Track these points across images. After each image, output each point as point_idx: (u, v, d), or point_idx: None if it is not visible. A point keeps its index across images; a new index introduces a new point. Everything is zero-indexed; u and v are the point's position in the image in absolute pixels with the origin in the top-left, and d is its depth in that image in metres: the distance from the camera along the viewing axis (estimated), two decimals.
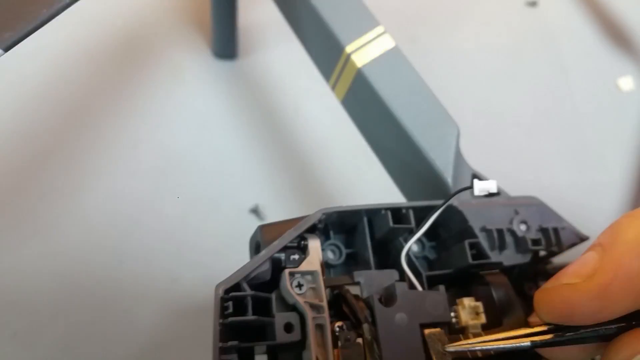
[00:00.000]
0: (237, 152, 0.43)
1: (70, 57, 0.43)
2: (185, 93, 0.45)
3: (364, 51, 0.29)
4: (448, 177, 0.27)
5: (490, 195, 0.27)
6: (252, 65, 0.48)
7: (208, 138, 0.43)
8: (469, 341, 0.22)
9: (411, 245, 0.25)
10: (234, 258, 0.35)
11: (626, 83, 0.63)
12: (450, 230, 0.27)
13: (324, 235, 0.27)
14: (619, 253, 0.19)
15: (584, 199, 0.52)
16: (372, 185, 0.44)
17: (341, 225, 0.27)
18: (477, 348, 0.21)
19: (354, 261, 0.27)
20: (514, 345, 0.21)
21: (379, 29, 0.30)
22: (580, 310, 0.19)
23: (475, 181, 0.24)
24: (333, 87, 0.32)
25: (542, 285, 0.21)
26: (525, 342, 0.21)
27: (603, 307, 0.19)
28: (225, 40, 0.46)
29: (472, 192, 0.28)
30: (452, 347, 0.22)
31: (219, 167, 0.42)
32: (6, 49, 0.21)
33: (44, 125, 0.40)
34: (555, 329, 0.20)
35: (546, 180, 0.51)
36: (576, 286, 0.19)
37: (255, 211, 0.41)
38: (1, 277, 0.34)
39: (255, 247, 0.25)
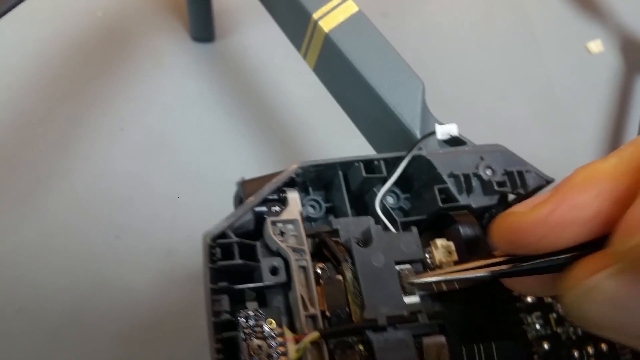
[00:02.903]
0: (220, 129, 0.45)
1: (55, 48, 0.45)
2: (167, 76, 0.46)
3: (330, 17, 0.30)
4: (416, 130, 0.29)
5: (457, 143, 0.29)
6: (229, 47, 0.49)
7: (192, 118, 0.45)
8: (431, 273, 0.23)
9: (385, 192, 0.27)
10: None
11: (595, 46, 0.65)
12: (421, 180, 0.29)
13: (304, 192, 0.28)
14: (565, 188, 0.19)
15: (558, 158, 0.55)
16: (350, 154, 0.46)
17: (319, 181, 0.28)
18: (439, 279, 0.23)
19: (333, 214, 0.29)
20: (474, 275, 0.22)
21: None
22: (525, 235, 0.20)
23: (437, 125, 0.25)
24: (304, 56, 0.34)
25: None
26: (486, 273, 0.21)
27: (547, 233, 0.19)
28: (202, 23, 0.48)
29: (441, 144, 0.30)
30: (415, 280, 0.23)
31: (204, 145, 0.44)
32: None
33: (34, 113, 0.42)
34: (512, 259, 0.21)
35: (521, 142, 0.53)
36: (522, 214, 0.20)
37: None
38: (4, 256, 0.36)
39: (239, 202, 0.26)
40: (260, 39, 0.50)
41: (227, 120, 0.45)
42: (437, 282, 0.25)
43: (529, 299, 0.27)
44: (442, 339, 0.24)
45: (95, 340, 0.35)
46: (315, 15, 0.30)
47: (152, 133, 0.43)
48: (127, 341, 0.35)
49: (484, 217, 0.29)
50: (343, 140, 0.47)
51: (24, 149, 0.41)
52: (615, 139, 0.58)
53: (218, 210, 0.41)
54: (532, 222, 0.19)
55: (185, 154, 0.43)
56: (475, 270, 0.22)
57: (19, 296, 0.35)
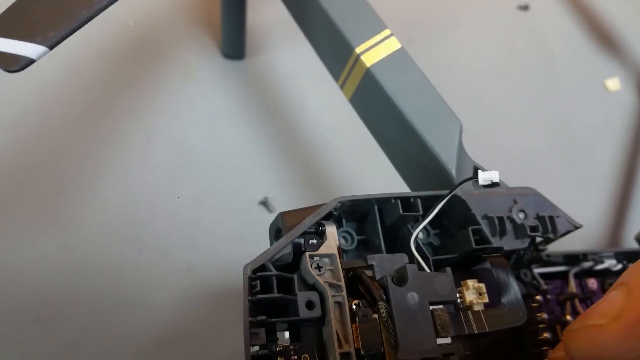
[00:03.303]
0: (246, 147, 0.45)
1: (86, 57, 0.45)
2: (196, 91, 0.47)
3: (373, 52, 0.31)
4: (452, 169, 0.29)
5: (491, 185, 0.30)
6: (259, 65, 0.50)
7: (218, 134, 0.45)
8: None
9: (419, 231, 0.27)
10: (245, 247, 0.37)
11: (613, 84, 0.65)
12: (454, 219, 0.29)
13: (337, 224, 0.29)
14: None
15: (573, 193, 0.55)
16: (374, 180, 0.46)
17: (352, 214, 0.29)
18: None
19: (364, 247, 0.29)
20: None
21: (386, 32, 0.32)
22: (610, 351, 0.19)
23: (480, 171, 0.26)
24: (342, 86, 0.34)
25: (569, 323, 0.22)
26: None
27: (630, 347, 0.19)
28: (234, 40, 0.48)
29: (474, 184, 0.30)
30: None
31: (229, 162, 0.44)
32: (51, 47, 0.23)
33: (62, 121, 0.42)
34: None
35: (538, 176, 0.54)
36: (603, 327, 0.19)
37: (264, 203, 0.43)
38: (25, 265, 0.36)
39: (276, 232, 0.27)
40: (289, 60, 0.50)
41: (253, 138, 0.46)
42: (468, 324, 0.25)
43: None
44: None
45: (113, 353, 0.35)
46: (358, 50, 0.31)
47: (179, 147, 0.44)
48: (145, 356, 0.36)
49: (511, 257, 0.30)
50: (366, 164, 0.47)
51: (49, 156, 0.41)
52: (629, 177, 0.58)
53: (239, 228, 0.42)
54: (615, 336, 0.19)
55: (209, 169, 0.43)
56: None
57: (38, 306, 0.35)
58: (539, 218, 0.29)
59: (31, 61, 0.23)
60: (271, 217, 0.27)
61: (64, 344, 0.35)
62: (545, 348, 0.28)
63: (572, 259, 0.35)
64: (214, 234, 0.41)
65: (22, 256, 0.37)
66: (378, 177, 0.47)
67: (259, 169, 0.44)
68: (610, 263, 0.36)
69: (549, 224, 0.29)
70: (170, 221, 0.40)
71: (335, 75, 0.34)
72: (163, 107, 0.45)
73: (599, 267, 0.36)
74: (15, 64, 0.23)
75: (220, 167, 0.44)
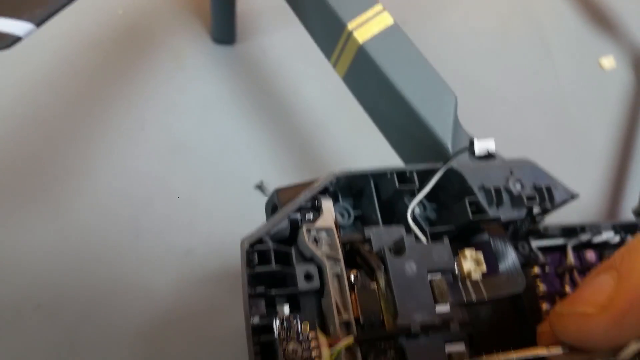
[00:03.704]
0: (239, 132, 0.45)
1: (76, 46, 0.45)
2: (187, 77, 0.47)
3: (365, 28, 0.31)
4: (448, 142, 0.29)
5: (487, 157, 0.30)
6: (250, 50, 0.50)
7: (211, 120, 0.45)
8: (489, 357, 0.23)
9: (416, 203, 0.27)
10: (242, 231, 0.37)
11: (608, 62, 0.65)
12: (450, 192, 0.29)
13: (333, 199, 0.29)
14: (634, 283, 0.19)
15: (569, 170, 0.55)
16: (368, 161, 0.46)
17: (349, 189, 0.29)
18: None
19: (361, 222, 0.29)
20: None
21: (378, 7, 0.32)
22: (594, 339, 0.20)
23: (476, 140, 0.26)
24: (334, 64, 0.34)
25: (557, 304, 0.22)
26: None
27: (616, 336, 0.19)
28: (224, 26, 0.48)
29: (470, 157, 0.30)
30: None
31: (223, 147, 0.44)
32: (38, 25, 0.23)
33: (54, 110, 0.42)
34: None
35: (534, 154, 0.53)
36: (591, 316, 0.20)
37: (260, 187, 0.43)
38: (24, 253, 0.36)
39: (272, 209, 0.27)
40: (280, 43, 0.50)
41: (246, 123, 0.46)
42: (467, 292, 0.25)
43: None
44: (461, 346, 0.24)
45: (113, 338, 0.35)
46: (350, 26, 0.31)
47: (172, 134, 0.43)
48: (145, 340, 0.36)
49: (508, 227, 0.30)
50: (361, 145, 0.47)
51: (44, 145, 0.41)
52: (624, 154, 0.59)
53: (235, 212, 0.42)
54: (602, 325, 0.19)
55: (204, 155, 0.43)
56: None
57: (38, 293, 0.35)
58: (536, 188, 0.29)
59: (18, 39, 0.23)
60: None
61: (64, 329, 0.35)
62: (545, 315, 0.28)
63: (570, 231, 0.35)
64: (211, 218, 0.41)
65: (20, 244, 0.37)
66: (373, 158, 0.47)
67: (254, 153, 0.44)
68: (608, 235, 0.36)
69: (546, 193, 0.29)
70: (167, 207, 0.40)
71: (328, 53, 0.34)
72: (155, 93, 0.45)
73: (597, 239, 0.35)
74: (2, 41, 0.22)
75: (214, 153, 0.44)
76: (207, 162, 0.43)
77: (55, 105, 0.42)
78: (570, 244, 0.35)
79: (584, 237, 0.35)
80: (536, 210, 0.30)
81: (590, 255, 0.35)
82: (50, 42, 0.43)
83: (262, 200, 0.43)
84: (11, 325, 0.34)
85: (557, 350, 0.22)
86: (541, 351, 0.22)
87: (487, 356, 0.24)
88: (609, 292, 0.19)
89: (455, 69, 0.57)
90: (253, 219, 0.40)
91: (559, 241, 0.35)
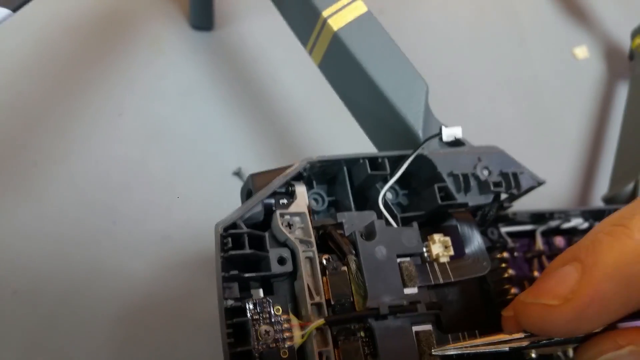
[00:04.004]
0: (218, 119, 0.45)
1: (53, 31, 0.45)
2: (165, 63, 0.47)
3: (339, 16, 0.31)
4: (419, 129, 0.30)
5: (456, 143, 0.30)
6: (228, 36, 0.50)
7: (189, 106, 0.45)
8: (455, 345, 0.24)
9: (387, 189, 0.28)
10: (220, 217, 0.38)
11: (581, 52, 0.66)
12: (421, 178, 0.30)
13: (308, 186, 0.29)
14: (597, 277, 0.19)
15: (542, 158, 0.56)
16: (347, 149, 0.47)
17: (323, 175, 0.29)
18: (460, 351, 0.23)
19: (335, 208, 0.30)
20: (494, 349, 0.23)
21: None
22: (556, 329, 0.20)
23: (443, 127, 0.27)
24: (310, 52, 0.35)
25: (521, 293, 0.22)
26: (505, 348, 0.23)
27: (577, 327, 0.20)
28: (202, 12, 0.48)
29: (440, 144, 0.31)
30: (438, 351, 0.24)
31: (201, 134, 0.44)
32: (14, 10, 0.23)
33: (31, 96, 0.42)
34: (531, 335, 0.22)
35: (507, 142, 0.55)
36: (554, 308, 0.20)
37: (238, 174, 0.43)
38: (0, 238, 0.36)
39: (247, 194, 0.27)
40: (259, 30, 0.50)
41: (225, 110, 0.46)
42: (434, 275, 0.26)
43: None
44: (429, 327, 0.25)
45: (91, 323, 0.36)
46: (325, 13, 0.31)
47: (150, 119, 0.44)
48: (123, 324, 0.36)
49: (476, 213, 0.31)
50: (339, 133, 0.48)
51: (21, 131, 0.41)
52: (596, 142, 0.60)
53: (214, 198, 0.42)
54: (564, 318, 0.20)
55: (182, 141, 0.44)
56: (496, 345, 0.23)
57: (15, 279, 0.35)
58: (503, 174, 0.30)
59: None
60: None
61: (42, 315, 0.35)
62: (510, 297, 0.29)
63: (539, 217, 0.36)
64: (189, 204, 0.41)
65: None
66: (350, 146, 0.47)
67: (232, 140, 0.45)
68: (577, 222, 0.37)
69: (513, 180, 0.30)
70: (145, 193, 0.40)
71: (304, 41, 0.35)
72: (132, 79, 0.45)
73: (566, 225, 0.37)
74: None
75: (192, 139, 0.44)
76: (185, 148, 0.43)
77: (32, 91, 0.42)
78: (539, 229, 0.36)
79: (553, 223, 0.36)
80: (503, 196, 0.31)
81: (559, 240, 0.37)
82: (27, 28, 0.43)
83: (239, 186, 0.43)
84: None
85: (519, 337, 0.23)
86: (505, 337, 0.23)
87: (453, 343, 0.25)
88: (572, 284, 0.20)
89: (431, 57, 0.57)
90: (231, 205, 0.40)
91: (528, 227, 0.36)
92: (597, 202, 0.55)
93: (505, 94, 0.60)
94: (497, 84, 0.60)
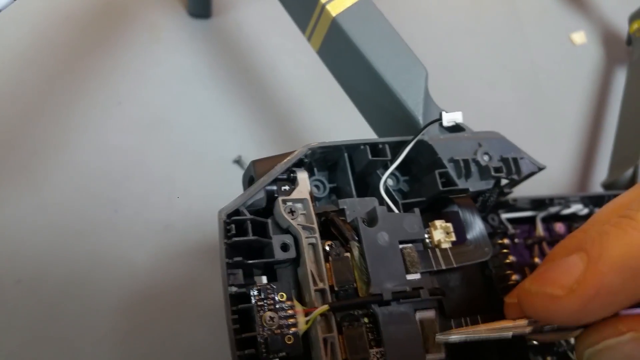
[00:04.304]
0: (217, 107, 0.45)
1: (52, 21, 0.44)
2: (164, 52, 0.46)
3: (338, 1, 0.31)
4: (418, 115, 0.30)
5: (456, 129, 0.30)
6: (226, 24, 0.49)
7: (188, 94, 0.45)
8: (458, 331, 0.24)
9: (388, 175, 0.28)
10: (220, 205, 0.38)
11: (579, 37, 0.66)
12: (421, 164, 0.30)
13: (309, 172, 0.29)
14: (603, 270, 0.19)
15: (541, 144, 0.56)
16: (346, 136, 0.47)
17: (324, 162, 0.29)
18: (465, 337, 0.23)
19: (336, 195, 0.30)
20: (497, 335, 0.23)
21: None
22: (560, 319, 0.21)
23: (443, 113, 0.27)
24: (309, 38, 0.35)
25: (537, 265, 0.23)
26: (508, 333, 0.23)
27: (582, 318, 0.20)
28: None
29: (440, 130, 0.31)
30: (442, 336, 0.24)
31: (201, 122, 0.44)
32: None
33: (31, 86, 0.41)
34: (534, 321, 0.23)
35: (506, 128, 0.55)
36: (559, 299, 0.20)
37: (238, 162, 0.43)
38: (2, 228, 0.36)
39: (249, 180, 0.27)
40: (257, 17, 0.50)
41: (224, 98, 0.46)
42: (437, 261, 0.26)
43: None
44: (432, 313, 0.25)
45: (94, 312, 0.36)
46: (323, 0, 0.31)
47: (150, 108, 0.43)
48: (125, 314, 0.36)
49: (477, 199, 0.31)
50: (338, 120, 0.48)
51: (20, 121, 0.40)
52: (595, 128, 0.60)
53: (214, 186, 0.42)
54: (569, 309, 0.20)
55: (182, 130, 0.44)
56: (499, 331, 0.23)
57: (18, 268, 0.36)
58: (503, 160, 0.30)
59: None
60: None
61: (45, 304, 0.35)
62: (511, 282, 0.29)
63: (539, 203, 0.36)
64: (190, 193, 0.41)
65: None
66: (350, 132, 0.47)
67: (232, 128, 0.45)
68: (577, 207, 0.37)
69: (513, 165, 0.30)
70: (145, 182, 0.40)
71: (302, 27, 0.34)
72: (131, 68, 0.45)
73: (566, 211, 0.37)
74: None
75: (192, 127, 0.44)
76: (184, 137, 0.43)
77: (31, 80, 0.42)
78: (540, 215, 0.36)
79: (553, 209, 0.36)
80: (504, 181, 0.31)
81: (559, 227, 0.37)
82: (25, 17, 0.42)
83: (240, 174, 0.43)
84: None
85: (522, 323, 0.23)
86: (507, 323, 0.23)
87: (457, 328, 0.25)
88: (577, 275, 0.20)
89: (429, 44, 0.57)
90: (231, 193, 0.41)
91: (528, 213, 0.36)
92: (596, 188, 0.55)
93: (503, 80, 0.59)
94: (495, 70, 0.60)
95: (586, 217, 0.37)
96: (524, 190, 0.34)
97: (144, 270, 0.37)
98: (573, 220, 0.37)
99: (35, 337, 0.35)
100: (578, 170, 0.57)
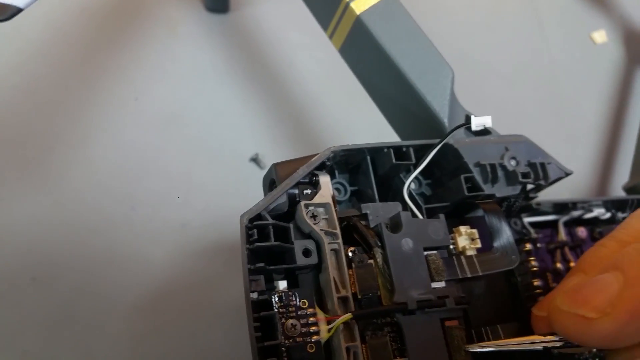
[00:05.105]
0: (234, 103, 0.45)
1: (69, 16, 0.44)
2: (180, 47, 0.46)
3: None
4: (444, 117, 0.29)
5: (483, 132, 0.30)
6: (244, 19, 0.49)
7: (206, 90, 0.44)
8: (488, 343, 0.23)
9: (413, 178, 0.27)
10: (237, 204, 0.37)
11: (599, 36, 0.65)
12: (445, 168, 0.29)
13: (330, 175, 0.29)
14: (638, 292, 0.19)
15: (560, 145, 0.55)
16: (364, 135, 0.46)
17: (345, 165, 0.29)
18: (494, 349, 0.23)
19: (357, 198, 0.29)
20: (527, 348, 0.23)
21: None
22: (592, 342, 0.20)
23: (472, 117, 0.26)
24: (330, 36, 0.34)
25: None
26: (539, 347, 0.23)
27: (615, 342, 0.20)
28: None
29: (466, 132, 0.30)
30: (471, 348, 0.23)
31: (218, 118, 0.44)
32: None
33: (47, 80, 0.41)
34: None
35: (525, 128, 0.54)
36: (593, 322, 0.19)
37: (255, 160, 0.43)
38: (18, 225, 0.36)
39: (270, 183, 0.27)
40: (275, 12, 0.49)
41: (240, 94, 0.45)
42: (462, 268, 0.26)
43: None
44: (456, 322, 0.25)
45: (109, 310, 0.36)
46: None
47: (166, 104, 0.43)
48: (141, 312, 0.36)
49: (502, 205, 0.30)
50: (356, 119, 0.47)
51: (36, 116, 0.40)
52: (615, 129, 0.59)
53: (230, 184, 0.42)
54: (602, 333, 0.19)
55: (198, 126, 0.43)
56: (529, 345, 0.23)
57: (33, 265, 0.35)
58: (531, 165, 0.29)
59: (18, 10, 0.22)
60: (262, 174, 0.27)
61: (61, 302, 0.35)
62: (538, 291, 0.28)
63: (561, 207, 0.35)
64: (207, 191, 0.41)
65: (14, 216, 0.36)
66: (368, 132, 0.47)
67: (248, 125, 0.44)
68: (599, 212, 0.36)
69: (540, 170, 0.29)
70: (163, 179, 0.40)
71: (324, 24, 0.34)
72: (148, 63, 0.44)
73: (588, 215, 0.36)
74: (3, 12, 0.22)
75: (209, 124, 0.43)
76: (201, 133, 0.43)
77: (48, 76, 0.41)
78: (562, 220, 0.35)
79: (575, 213, 0.36)
80: (530, 186, 0.30)
81: (582, 231, 0.36)
82: (43, 12, 0.42)
83: (257, 172, 0.43)
84: (7, 298, 0.34)
85: (553, 339, 0.22)
86: (539, 338, 0.23)
87: (485, 342, 0.24)
88: (612, 296, 0.19)
89: (448, 42, 0.56)
90: (248, 191, 0.40)
91: (550, 217, 0.35)
92: (616, 191, 0.54)
93: (523, 79, 0.58)
94: (515, 69, 0.59)
95: (608, 221, 0.36)
96: (543, 193, 0.33)
97: (160, 269, 0.37)
98: (595, 225, 0.36)
99: (49, 336, 0.34)
100: (598, 172, 0.56)
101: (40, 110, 0.40)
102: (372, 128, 0.45)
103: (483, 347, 0.23)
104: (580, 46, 0.64)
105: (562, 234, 0.35)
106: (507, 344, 0.23)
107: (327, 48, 0.35)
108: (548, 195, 0.34)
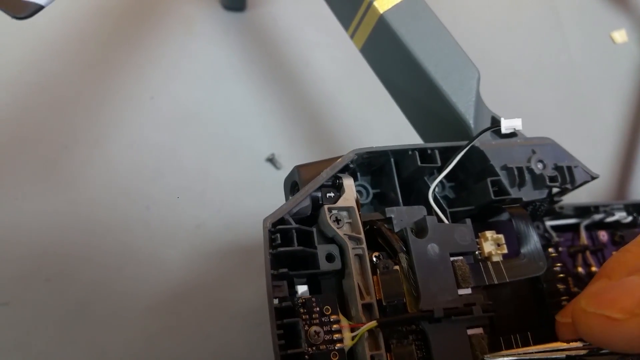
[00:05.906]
0: (250, 103, 0.44)
1: (84, 13, 0.43)
2: (197, 45, 0.45)
3: None
4: (470, 119, 0.28)
5: (510, 135, 0.29)
6: (260, 17, 0.48)
7: (221, 89, 0.44)
8: (508, 352, 0.23)
9: (439, 181, 0.27)
10: (253, 204, 0.37)
11: (620, 36, 0.64)
12: (470, 171, 0.29)
13: (352, 177, 0.28)
14: None
15: (580, 146, 0.54)
16: (380, 134, 0.46)
17: (368, 167, 0.28)
18: (515, 358, 0.22)
19: (379, 201, 0.29)
20: (549, 357, 0.22)
21: None
22: (620, 344, 0.19)
23: (503, 119, 0.25)
24: (352, 35, 0.33)
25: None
26: (561, 355, 0.22)
27: None
28: None
29: (491, 134, 0.30)
30: (490, 357, 0.23)
31: (234, 118, 0.43)
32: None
33: (62, 78, 0.41)
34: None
35: (545, 129, 0.53)
36: (619, 322, 0.19)
37: (271, 160, 0.42)
38: (32, 225, 0.35)
39: (292, 186, 0.26)
40: (292, 11, 0.49)
41: (256, 93, 0.45)
42: (488, 275, 0.25)
43: None
44: (481, 330, 0.24)
45: (123, 310, 0.35)
46: None
47: (182, 103, 0.42)
48: (155, 313, 0.35)
49: (526, 209, 0.29)
50: (372, 119, 0.47)
51: (51, 114, 0.40)
52: (635, 130, 0.58)
53: (246, 184, 0.41)
54: (629, 334, 0.19)
55: (214, 125, 0.42)
56: (552, 353, 0.22)
57: (47, 266, 0.35)
58: (557, 168, 0.28)
59: (40, 7, 0.22)
60: (278, 174, 0.26)
61: (74, 303, 0.35)
62: (564, 297, 0.27)
63: (583, 211, 0.34)
64: (222, 191, 0.40)
65: (29, 216, 0.36)
66: (385, 132, 0.46)
67: (264, 125, 0.44)
68: (620, 215, 0.36)
69: (567, 174, 0.28)
70: (177, 178, 0.39)
71: (345, 23, 0.33)
72: (164, 62, 0.44)
73: (610, 219, 0.35)
74: (24, 10, 0.21)
75: (225, 123, 0.43)
76: (216, 134, 0.42)
77: (64, 73, 0.41)
78: (583, 223, 0.34)
79: (597, 217, 0.35)
80: (556, 190, 0.29)
81: (603, 235, 0.35)
82: (57, 9, 0.41)
83: (273, 172, 0.42)
84: (21, 298, 0.34)
85: (577, 345, 0.22)
86: (561, 345, 0.22)
87: (505, 351, 0.24)
88: (639, 297, 0.19)
89: (468, 41, 0.55)
90: (265, 192, 0.40)
91: (571, 220, 0.35)
92: (636, 194, 0.53)
93: (542, 79, 0.58)
94: (534, 69, 0.58)
95: (629, 225, 0.36)
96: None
97: (175, 269, 0.37)
98: (616, 229, 0.36)
99: (63, 337, 0.34)
100: (617, 174, 0.55)
101: (56, 109, 0.40)
102: (389, 128, 0.44)
103: (503, 356, 0.22)
104: (600, 46, 0.63)
105: (584, 238, 0.34)
106: (528, 353, 0.22)
107: (344, 47, 0.35)
108: (567, 198, 0.33)
